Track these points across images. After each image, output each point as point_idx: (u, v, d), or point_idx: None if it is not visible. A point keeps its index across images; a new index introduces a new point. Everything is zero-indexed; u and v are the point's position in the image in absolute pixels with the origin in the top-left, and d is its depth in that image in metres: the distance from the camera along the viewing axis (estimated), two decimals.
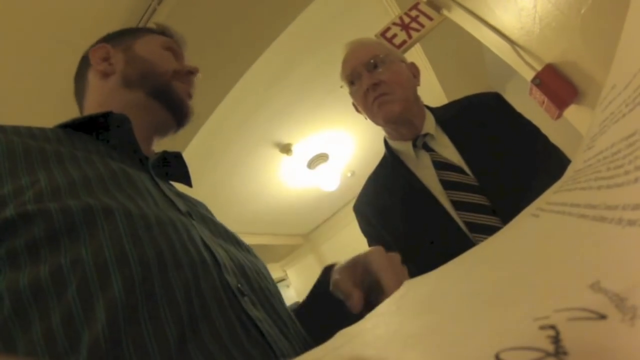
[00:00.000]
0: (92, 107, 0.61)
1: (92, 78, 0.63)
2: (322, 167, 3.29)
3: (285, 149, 2.95)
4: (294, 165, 3.22)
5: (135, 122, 0.57)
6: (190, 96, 0.66)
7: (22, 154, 0.42)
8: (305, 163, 3.25)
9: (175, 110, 0.63)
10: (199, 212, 0.55)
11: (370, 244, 0.92)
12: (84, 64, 0.65)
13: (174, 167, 0.65)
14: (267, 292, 0.50)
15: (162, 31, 0.70)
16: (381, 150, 0.97)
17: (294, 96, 2.49)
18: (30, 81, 1.46)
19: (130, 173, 0.47)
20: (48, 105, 1.51)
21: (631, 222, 0.12)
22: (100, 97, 0.61)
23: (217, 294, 0.41)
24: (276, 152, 2.98)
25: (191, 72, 0.68)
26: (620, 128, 0.17)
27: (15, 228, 0.36)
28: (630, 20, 0.22)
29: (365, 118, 0.94)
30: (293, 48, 2.10)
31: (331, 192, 3.57)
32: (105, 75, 0.62)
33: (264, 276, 0.53)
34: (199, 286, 0.40)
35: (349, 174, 3.79)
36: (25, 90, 1.49)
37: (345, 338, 0.16)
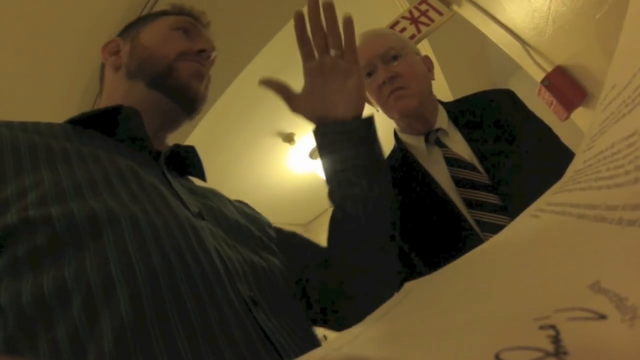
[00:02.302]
0: (104, 101, 0.60)
1: (107, 72, 0.62)
2: None
3: (288, 138, 2.94)
4: (296, 155, 3.21)
5: (143, 117, 0.54)
6: (199, 76, 0.59)
7: (27, 150, 0.41)
8: (308, 152, 3.25)
9: (179, 97, 0.57)
10: (211, 209, 0.52)
11: None
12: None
13: (186, 161, 0.62)
14: (278, 297, 0.46)
15: (179, 11, 0.64)
16: (383, 139, 0.96)
17: (298, 86, 2.47)
18: (28, 80, 1.45)
19: (138, 171, 0.45)
20: (47, 102, 1.51)
21: (631, 222, 0.12)
22: (110, 91, 0.60)
23: (229, 304, 0.39)
24: (279, 142, 2.97)
25: (202, 50, 0.60)
26: (620, 128, 0.17)
27: (17, 235, 0.34)
28: (629, 21, 0.22)
29: (377, 110, 0.92)
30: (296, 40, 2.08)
31: None
32: (116, 68, 0.60)
33: (276, 277, 0.49)
34: (211, 296, 0.38)
35: None
36: (25, 89, 1.48)
37: (346, 339, 0.16)
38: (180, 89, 0.57)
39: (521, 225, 0.21)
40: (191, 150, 0.62)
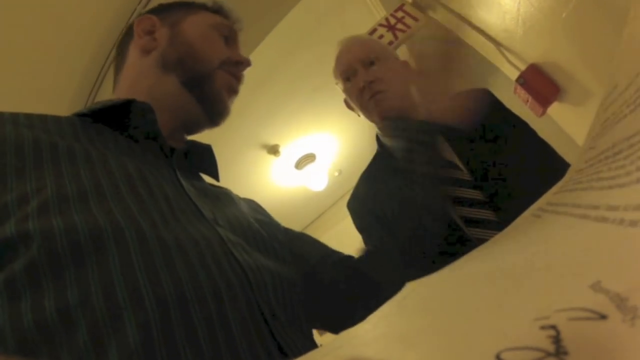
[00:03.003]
0: (124, 86, 0.56)
1: (132, 52, 0.57)
2: (309, 167, 3.28)
3: (273, 150, 2.94)
4: (282, 166, 3.20)
5: (163, 112, 0.51)
6: (232, 91, 0.58)
7: (31, 150, 0.38)
8: (293, 164, 3.24)
9: (209, 107, 0.55)
10: (224, 213, 0.50)
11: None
12: (127, 35, 0.59)
13: (201, 158, 0.59)
14: (290, 308, 0.45)
15: (217, 9, 0.61)
16: (368, 148, 0.97)
17: (280, 97, 2.48)
18: (22, 76, 1.42)
19: (148, 176, 0.42)
20: (44, 101, 1.48)
21: (633, 223, 0.12)
22: (135, 75, 0.55)
23: (245, 326, 0.37)
24: (263, 154, 2.96)
25: (240, 63, 0.58)
26: (621, 128, 0.17)
27: (16, 249, 0.32)
28: (631, 21, 0.22)
29: (358, 115, 0.93)
30: (278, 50, 2.09)
31: (319, 191, 3.57)
32: (146, 51, 0.55)
33: (292, 285, 0.48)
34: (225, 318, 0.36)
35: (336, 173, 3.79)
36: (18, 84, 1.45)
37: (346, 339, 0.16)
38: (213, 98, 0.55)
39: (522, 224, 0.21)
40: (207, 149, 0.60)
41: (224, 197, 0.55)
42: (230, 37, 0.60)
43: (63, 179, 0.37)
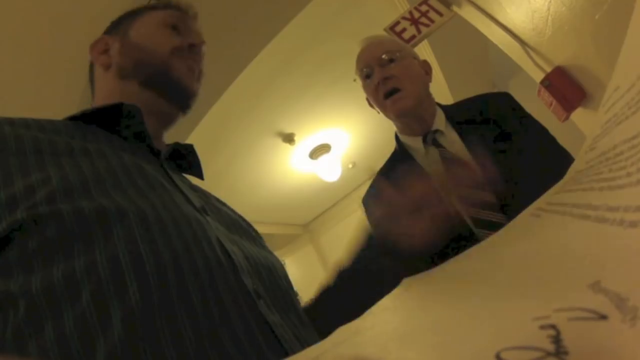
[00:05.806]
0: (98, 101, 0.60)
1: (97, 72, 0.61)
2: (324, 158, 3.28)
3: (288, 138, 2.94)
4: (296, 155, 3.21)
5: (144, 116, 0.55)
6: (192, 72, 0.61)
7: (31, 147, 0.41)
8: (308, 153, 3.25)
9: (173, 95, 0.59)
10: (213, 206, 0.54)
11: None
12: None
13: (186, 159, 0.63)
14: (279, 292, 0.48)
15: (166, 5, 0.64)
16: (382, 143, 0.99)
17: (298, 86, 2.48)
18: (32, 77, 1.45)
19: (144, 167, 0.46)
20: (50, 101, 1.51)
21: (632, 224, 0.12)
22: (104, 91, 0.60)
23: (234, 298, 0.40)
24: (279, 142, 2.97)
25: (192, 45, 0.61)
26: (622, 130, 0.17)
27: (27, 230, 0.35)
28: (634, 24, 0.22)
29: (378, 112, 0.96)
30: (299, 39, 2.08)
31: (332, 183, 3.58)
32: (106, 67, 0.60)
33: (277, 273, 0.51)
34: (216, 289, 0.39)
35: (350, 165, 3.79)
36: (27, 87, 1.48)
37: (345, 335, 0.16)
38: (175, 88, 0.59)
39: (522, 224, 0.21)
40: (190, 148, 0.64)
41: (208, 194, 0.60)
42: (179, 26, 0.62)
43: (65, 172, 0.39)
